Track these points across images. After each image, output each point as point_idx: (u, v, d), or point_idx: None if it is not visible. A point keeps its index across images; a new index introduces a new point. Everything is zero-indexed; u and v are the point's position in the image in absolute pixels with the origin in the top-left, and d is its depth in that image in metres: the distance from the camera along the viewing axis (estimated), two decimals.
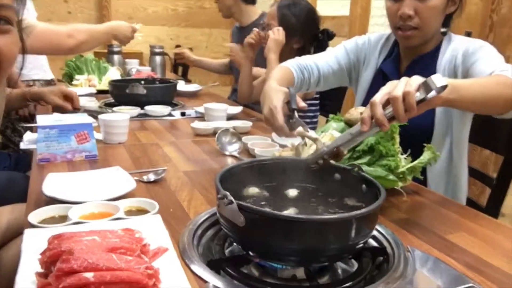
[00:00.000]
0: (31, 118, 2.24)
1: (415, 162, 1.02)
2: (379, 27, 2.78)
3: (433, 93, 0.79)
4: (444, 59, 1.27)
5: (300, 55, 1.47)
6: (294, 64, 1.39)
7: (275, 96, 1.08)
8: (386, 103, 0.81)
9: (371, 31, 2.85)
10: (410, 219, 0.94)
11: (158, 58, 2.83)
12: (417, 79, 0.81)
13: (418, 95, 0.79)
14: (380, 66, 1.40)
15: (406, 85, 0.80)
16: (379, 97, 0.81)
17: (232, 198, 0.67)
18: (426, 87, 0.78)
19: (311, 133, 0.98)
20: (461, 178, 1.34)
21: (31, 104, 2.12)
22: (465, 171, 1.36)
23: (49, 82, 2.51)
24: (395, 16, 1.25)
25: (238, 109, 1.89)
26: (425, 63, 1.30)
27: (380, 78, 1.37)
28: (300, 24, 1.90)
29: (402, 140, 1.03)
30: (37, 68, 2.46)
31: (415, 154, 1.04)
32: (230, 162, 1.27)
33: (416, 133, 1.13)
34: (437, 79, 0.77)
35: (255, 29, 1.97)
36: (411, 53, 1.33)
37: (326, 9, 3.20)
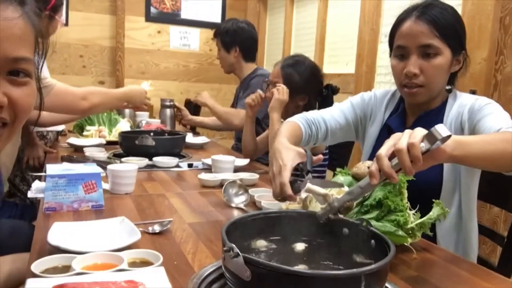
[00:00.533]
0: (41, 167, 2.26)
1: (424, 218, 1.01)
2: (385, 85, 2.84)
3: (437, 143, 0.80)
4: (451, 115, 1.29)
5: (306, 110, 1.50)
6: (302, 119, 1.40)
7: (286, 154, 1.07)
8: (392, 156, 0.81)
9: (377, 88, 2.91)
10: (420, 276, 0.91)
11: (168, 111, 2.89)
12: (420, 131, 0.82)
13: (423, 146, 0.80)
14: (386, 121, 1.42)
15: (410, 137, 0.81)
16: (385, 150, 0.82)
17: (238, 251, 0.66)
18: (430, 138, 0.79)
19: (320, 189, 0.98)
20: (472, 236, 1.31)
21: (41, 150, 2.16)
22: (475, 229, 1.33)
23: (59, 133, 2.55)
24: (400, 74, 1.27)
25: (245, 161, 1.90)
26: (431, 119, 1.30)
27: (386, 133, 1.38)
28: (305, 82, 1.94)
29: (410, 196, 1.02)
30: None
31: (424, 210, 1.03)
32: (237, 214, 1.26)
33: (425, 189, 1.12)
34: (441, 129, 0.78)
35: (258, 91, 2.02)
36: (417, 110, 1.35)
37: (332, 66, 3.29)
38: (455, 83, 1.35)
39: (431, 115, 1.32)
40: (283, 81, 1.94)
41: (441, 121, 1.29)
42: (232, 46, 2.75)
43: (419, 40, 1.22)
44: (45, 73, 2.33)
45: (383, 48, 2.84)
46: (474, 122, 1.21)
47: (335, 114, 1.46)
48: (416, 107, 1.34)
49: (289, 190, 1.01)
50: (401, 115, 1.39)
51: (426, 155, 0.81)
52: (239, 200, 1.33)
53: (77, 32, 4.08)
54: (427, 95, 1.28)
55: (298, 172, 1.06)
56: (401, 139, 0.81)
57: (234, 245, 0.67)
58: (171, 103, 2.94)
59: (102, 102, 1.84)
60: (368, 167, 1.04)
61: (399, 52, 1.27)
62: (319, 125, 1.42)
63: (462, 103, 1.28)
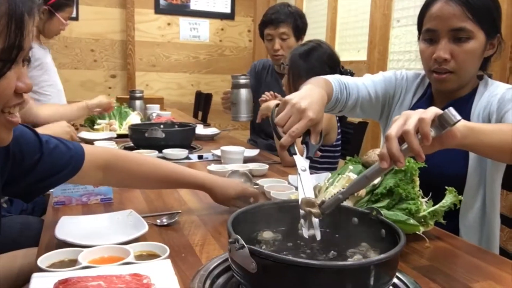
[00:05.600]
0: None
1: (437, 206, 0.98)
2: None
3: (447, 128, 0.75)
4: (480, 104, 1.21)
5: None
6: (335, 79, 1.26)
7: (314, 104, 0.94)
8: (402, 139, 0.75)
9: None
10: (433, 266, 0.89)
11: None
12: (433, 109, 0.77)
13: (432, 131, 0.74)
14: (413, 107, 1.34)
15: (422, 113, 0.76)
16: (395, 130, 0.75)
17: (243, 243, 0.65)
18: (443, 121, 0.74)
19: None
20: (495, 231, 1.25)
21: None
22: (498, 223, 1.27)
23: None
24: (429, 59, 1.19)
25: (254, 151, 1.88)
26: (459, 108, 1.21)
27: None
28: (311, 68, 1.87)
29: (432, 188, 0.99)
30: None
31: (437, 198, 1.00)
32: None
33: (448, 181, 1.05)
34: (455, 113, 0.73)
35: (271, 92, 2.02)
36: (445, 97, 1.27)
37: (343, 54, 3.24)
38: (488, 69, 1.27)
39: (459, 104, 1.22)
40: (289, 67, 1.90)
41: (469, 111, 1.22)
42: (304, 32, 2.41)
43: (451, 23, 1.14)
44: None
45: (396, 33, 2.78)
46: (502, 113, 1.12)
47: (367, 84, 1.35)
48: (444, 94, 1.26)
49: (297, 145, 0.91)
50: (427, 102, 1.31)
51: (434, 138, 0.75)
52: None
53: (87, 27, 4.09)
54: (457, 82, 1.20)
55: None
56: (411, 118, 0.75)
57: (239, 237, 0.66)
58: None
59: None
60: (378, 155, 1.02)
61: (428, 35, 1.20)
62: (351, 92, 1.29)
63: (492, 92, 1.19)
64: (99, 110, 2.38)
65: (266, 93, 2.05)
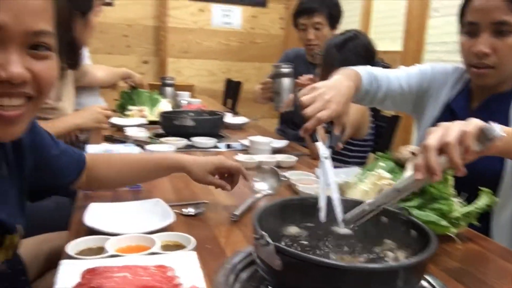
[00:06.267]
0: (80, 144, 2.34)
1: (471, 207, 0.95)
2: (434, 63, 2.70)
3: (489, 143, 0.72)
4: None
5: None
6: (365, 71, 1.27)
7: (340, 95, 0.98)
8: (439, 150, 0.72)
9: None
10: (464, 269, 0.86)
11: (285, 82, 2.04)
12: (475, 122, 0.73)
13: (475, 145, 0.71)
14: (450, 102, 1.30)
15: (463, 126, 0.73)
16: (435, 141, 0.72)
17: (269, 239, 0.64)
18: (486, 135, 0.71)
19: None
20: None
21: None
22: None
23: None
24: (469, 53, 1.16)
25: (283, 142, 1.87)
26: (498, 104, 1.19)
27: (448, 115, 1.25)
28: (344, 59, 1.83)
29: (466, 187, 0.95)
30: (91, 97, 2.56)
31: (471, 198, 0.97)
32: (272, 198, 1.24)
33: (481, 179, 1.01)
34: (498, 128, 0.70)
35: (308, 76, 1.96)
36: (484, 92, 1.23)
37: (377, 43, 3.15)
38: None
39: (499, 100, 1.19)
40: (323, 57, 1.87)
41: (508, 107, 1.17)
42: (339, 20, 2.34)
43: (493, 16, 1.10)
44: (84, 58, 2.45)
45: (433, 23, 2.69)
46: None
47: (400, 77, 1.33)
48: (483, 90, 1.22)
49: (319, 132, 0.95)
50: (466, 97, 1.27)
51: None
52: (263, 187, 1.26)
53: (121, 12, 4.14)
54: (497, 77, 1.17)
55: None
56: (452, 130, 0.72)
57: (265, 233, 0.65)
58: (289, 69, 2.06)
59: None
60: (412, 153, 0.99)
61: (468, 28, 1.17)
62: (380, 84, 1.29)
63: None
64: (131, 80, 2.56)
65: (304, 76, 2.00)
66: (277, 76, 2.05)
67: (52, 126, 1.50)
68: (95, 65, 2.50)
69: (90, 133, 2.16)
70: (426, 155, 0.71)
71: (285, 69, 2.05)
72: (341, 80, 1.03)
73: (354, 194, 0.97)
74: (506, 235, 1.18)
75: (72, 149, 1.03)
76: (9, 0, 0.62)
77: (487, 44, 1.12)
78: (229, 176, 1.14)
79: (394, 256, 0.74)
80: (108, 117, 1.84)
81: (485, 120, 1.02)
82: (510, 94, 1.19)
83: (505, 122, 1.15)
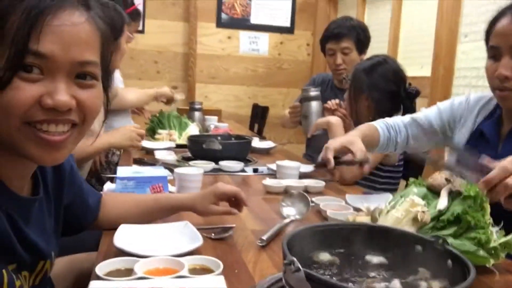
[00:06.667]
0: (111, 166, 2.38)
1: (510, 237, 0.90)
2: (464, 89, 2.65)
3: None
4: None
5: (377, 111, 1.47)
6: (381, 122, 1.45)
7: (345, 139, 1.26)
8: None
9: (455, 92, 2.72)
10: None
11: (314, 105, 2.10)
12: None
13: None
14: (479, 126, 1.31)
15: None
16: (498, 175, 0.84)
17: (299, 265, 0.62)
18: None
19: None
20: None
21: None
22: None
23: None
24: (492, 76, 1.18)
25: (311, 167, 1.85)
26: None
27: (478, 138, 1.29)
28: (372, 83, 1.81)
29: (504, 216, 0.92)
30: (122, 120, 2.62)
31: (509, 227, 0.93)
32: (301, 224, 1.22)
33: None
34: None
35: (336, 100, 1.98)
36: None
37: (406, 69, 3.13)
38: None
39: None
40: (351, 81, 1.86)
41: None
42: (367, 45, 2.37)
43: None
44: (117, 82, 2.51)
45: (463, 49, 2.65)
46: None
47: (418, 119, 1.44)
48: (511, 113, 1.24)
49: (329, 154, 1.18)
50: (496, 121, 1.28)
51: None
52: (291, 212, 1.24)
53: (152, 39, 4.26)
54: None
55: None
56: None
57: (295, 259, 0.63)
58: (317, 92, 2.08)
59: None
60: (446, 179, 0.96)
61: (492, 53, 1.20)
62: (399, 129, 1.43)
63: None
64: (164, 99, 2.67)
65: (332, 100, 2.00)
66: (305, 99, 2.07)
67: (88, 145, 1.53)
68: (125, 88, 2.57)
69: (121, 155, 2.20)
70: (500, 174, 0.83)
71: (314, 93, 2.08)
72: (351, 132, 1.33)
73: (386, 221, 0.94)
74: None
75: (91, 187, 1.07)
76: (58, 31, 0.65)
77: (508, 67, 1.14)
78: (235, 200, 1.15)
79: (428, 286, 0.71)
80: (141, 136, 1.87)
81: None
82: None
83: None
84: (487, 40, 1.23)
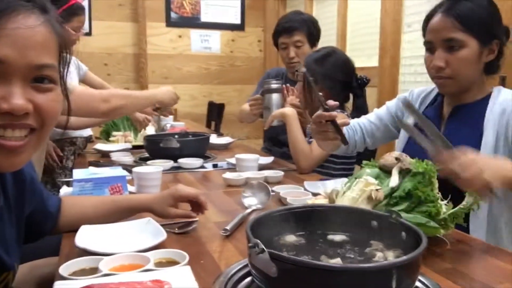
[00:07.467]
0: (66, 171, 2.32)
1: (457, 208, 0.97)
2: (410, 76, 2.78)
3: None
4: (494, 111, 1.27)
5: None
6: None
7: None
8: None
9: (402, 80, 2.84)
10: (456, 269, 0.87)
11: (274, 97, 2.10)
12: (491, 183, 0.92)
13: None
14: (423, 112, 1.42)
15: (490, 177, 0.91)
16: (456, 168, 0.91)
17: (263, 247, 0.64)
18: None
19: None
20: (501, 223, 1.24)
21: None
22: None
23: (87, 139, 2.59)
24: (430, 67, 1.31)
25: (269, 159, 1.88)
26: (469, 113, 1.31)
27: None
28: (324, 73, 1.87)
29: (451, 190, 0.98)
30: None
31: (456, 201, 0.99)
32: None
33: None
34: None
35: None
36: (453, 101, 1.36)
37: (354, 61, 3.23)
38: (498, 71, 1.34)
39: (469, 108, 1.32)
40: (304, 72, 1.90)
41: (482, 116, 1.27)
42: (318, 38, 2.43)
43: (442, 34, 1.25)
44: (69, 79, 2.39)
45: (407, 38, 2.77)
46: None
47: (370, 118, 1.54)
48: (453, 98, 1.36)
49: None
50: (437, 107, 1.41)
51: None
52: (253, 202, 1.27)
53: (100, 41, 4.15)
54: (457, 86, 1.29)
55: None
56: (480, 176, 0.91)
57: (259, 241, 0.65)
58: (278, 84, 2.10)
59: (126, 104, 1.77)
60: (396, 158, 1.02)
61: (428, 46, 1.32)
62: (355, 129, 1.51)
63: (506, 98, 1.27)
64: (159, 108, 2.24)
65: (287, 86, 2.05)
66: (267, 91, 2.09)
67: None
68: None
69: (75, 159, 2.14)
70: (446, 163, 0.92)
71: (275, 85, 2.09)
72: None
73: (343, 201, 0.98)
74: (482, 232, 1.22)
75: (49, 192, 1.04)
76: (13, 35, 0.64)
77: (442, 59, 1.26)
78: (196, 202, 1.12)
79: (383, 256, 0.75)
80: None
81: (456, 128, 1.29)
82: (481, 104, 1.30)
83: (476, 133, 1.26)
84: (424, 35, 1.35)
